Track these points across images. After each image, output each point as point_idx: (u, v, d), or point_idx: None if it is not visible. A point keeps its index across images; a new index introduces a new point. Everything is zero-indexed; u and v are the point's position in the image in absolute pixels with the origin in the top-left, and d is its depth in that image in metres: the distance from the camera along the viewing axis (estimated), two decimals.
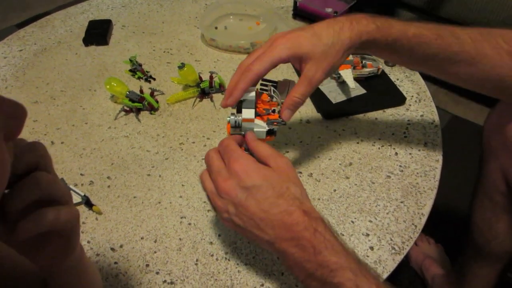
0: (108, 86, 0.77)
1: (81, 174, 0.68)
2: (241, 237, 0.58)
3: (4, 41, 1.00)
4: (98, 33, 0.98)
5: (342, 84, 0.80)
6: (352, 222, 0.61)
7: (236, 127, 0.51)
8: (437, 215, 1.26)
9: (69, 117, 0.78)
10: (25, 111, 0.26)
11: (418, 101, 0.80)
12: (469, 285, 0.83)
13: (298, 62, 0.51)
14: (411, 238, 0.59)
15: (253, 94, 0.51)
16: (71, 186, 0.63)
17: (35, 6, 2.32)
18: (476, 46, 0.50)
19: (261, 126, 0.52)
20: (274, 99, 0.54)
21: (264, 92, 0.54)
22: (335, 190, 0.64)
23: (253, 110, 0.51)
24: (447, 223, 1.14)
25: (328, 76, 0.51)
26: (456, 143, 1.43)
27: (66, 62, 0.93)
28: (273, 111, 0.53)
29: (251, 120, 0.51)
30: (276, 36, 0.51)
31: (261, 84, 0.54)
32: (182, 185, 0.65)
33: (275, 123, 0.52)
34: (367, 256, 0.57)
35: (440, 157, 0.70)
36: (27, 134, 0.75)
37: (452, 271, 1.00)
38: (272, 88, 0.53)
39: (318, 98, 0.78)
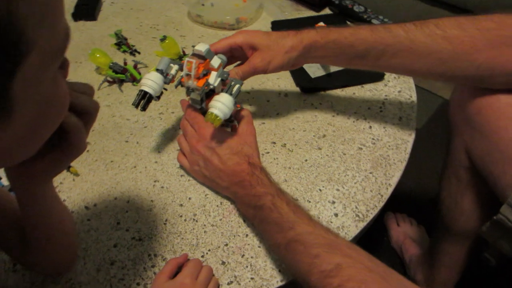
0: (92, 57, 0.79)
1: None
2: (210, 200, 0.60)
3: None
4: (86, 8, 1.00)
5: None
6: (320, 190, 0.62)
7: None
8: (421, 196, 1.28)
9: None
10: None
11: (397, 77, 0.81)
12: (440, 263, 0.85)
13: (250, 50, 0.59)
14: (376, 206, 0.61)
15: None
16: None
17: None
18: (409, 36, 0.53)
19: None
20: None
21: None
22: (306, 160, 0.66)
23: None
24: (431, 205, 1.15)
25: (268, 68, 0.58)
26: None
27: None
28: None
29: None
30: (239, 31, 0.61)
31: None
32: (158, 152, 0.67)
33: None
34: (331, 222, 0.58)
35: (413, 131, 0.71)
36: None
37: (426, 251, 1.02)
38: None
39: (297, 72, 0.80)
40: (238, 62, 0.63)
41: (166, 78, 0.57)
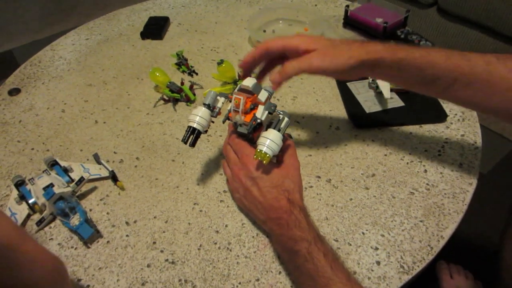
0: (152, 75, 0.82)
1: (114, 152, 0.73)
2: (246, 230, 0.59)
3: (75, 30, 1.11)
4: (155, 28, 1.05)
5: (379, 94, 0.78)
6: (363, 233, 0.58)
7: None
8: (480, 248, 1.17)
9: (115, 101, 0.85)
10: None
11: (462, 120, 0.75)
12: None
13: (307, 52, 0.53)
14: (424, 259, 0.56)
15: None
16: (103, 161, 0.68)
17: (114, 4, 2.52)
18: (489, 68, 0.48)
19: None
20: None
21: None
22: (351, 199, 0.63)
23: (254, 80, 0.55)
24: (492, 259, 1.05)
25: (327, 67, 0.52)
26: None
27: (123, 52, 1.01)
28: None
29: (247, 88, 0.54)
30: (297, 33, 0.56)
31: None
32: (202, 174, 0.67)
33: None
34: (372, 270, 0.54)
35: (474, 181, 0.65)
36: (77, 112, 0.83)
37: None
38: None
39: (352, 105, 0.77)
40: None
41: (212, 112, 0.59)
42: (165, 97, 0.82)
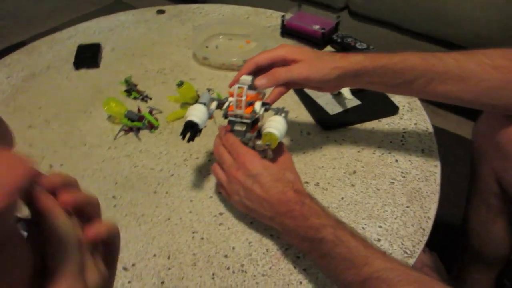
0: (106, 107, 0.76)
1: None
2: (255, 248, 0.58)
3: None
4: (88, 56, 0.98)
5: (337, 96, 0.83)
6: (363, 228, 0.61)
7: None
8: (445, 227, 1.28)
9: (66, 140, 0.77)
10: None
11: (410, 110, 0.83)
12: None
13: (294, 62, 0.57)
14: (421, 241, 0.60)
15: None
16: None
17: (10, 35, 2.28)
18: (460, 64, 0.54)
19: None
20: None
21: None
22: (342, 198, 0.65)
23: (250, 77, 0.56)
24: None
25: (312, 77, 0.55)
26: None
27: (58, 85, 0.92)
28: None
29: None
30: (282, 44, 0.58)
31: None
32: (191, 201, 0.65)
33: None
34: None
35: (438, 162, 0.72)
36: None
37: (449, 278, 1.02)
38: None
39: (316, 110, 0.80)
40: None
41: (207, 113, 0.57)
42: (125, 127, 0.77)
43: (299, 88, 0.59)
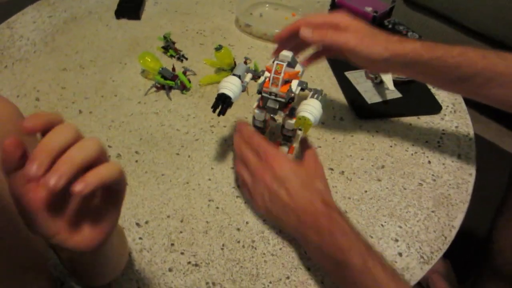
0: (141, 61, 0.75)
1: (109, 146, 0.66)
2: (269, 227, 0.57)
3: (34, 6, 0.99)
4: (131, 6, 0.97)
5: (378, 85, 0.79)
6: (382, 225, 0.59)
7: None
8: (470, 239, 1.24)
9: (98, 88, 0.77)
10: None
11: (453, 112, 0.78)
12: None
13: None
14: (440, 249, 0.58)
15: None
16: None
17: None
18: None
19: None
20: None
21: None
22: (366, 191, 0.63)
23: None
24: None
25: (363, 50, 0.52)
26: None
27: (97, 32, 0.91)
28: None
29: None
30: (339, 11, 0.54)
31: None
32: (212, 168, 0.64)
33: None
34: (395, 262, 0.55)
35: (473, 171, 0.68)
36: (55, 100, 0.74)
37: None
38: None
39: (353, 96, 0.77)
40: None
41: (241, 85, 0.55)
42: (157, 84, 0.76)
43: (342, 59, 0.55)
